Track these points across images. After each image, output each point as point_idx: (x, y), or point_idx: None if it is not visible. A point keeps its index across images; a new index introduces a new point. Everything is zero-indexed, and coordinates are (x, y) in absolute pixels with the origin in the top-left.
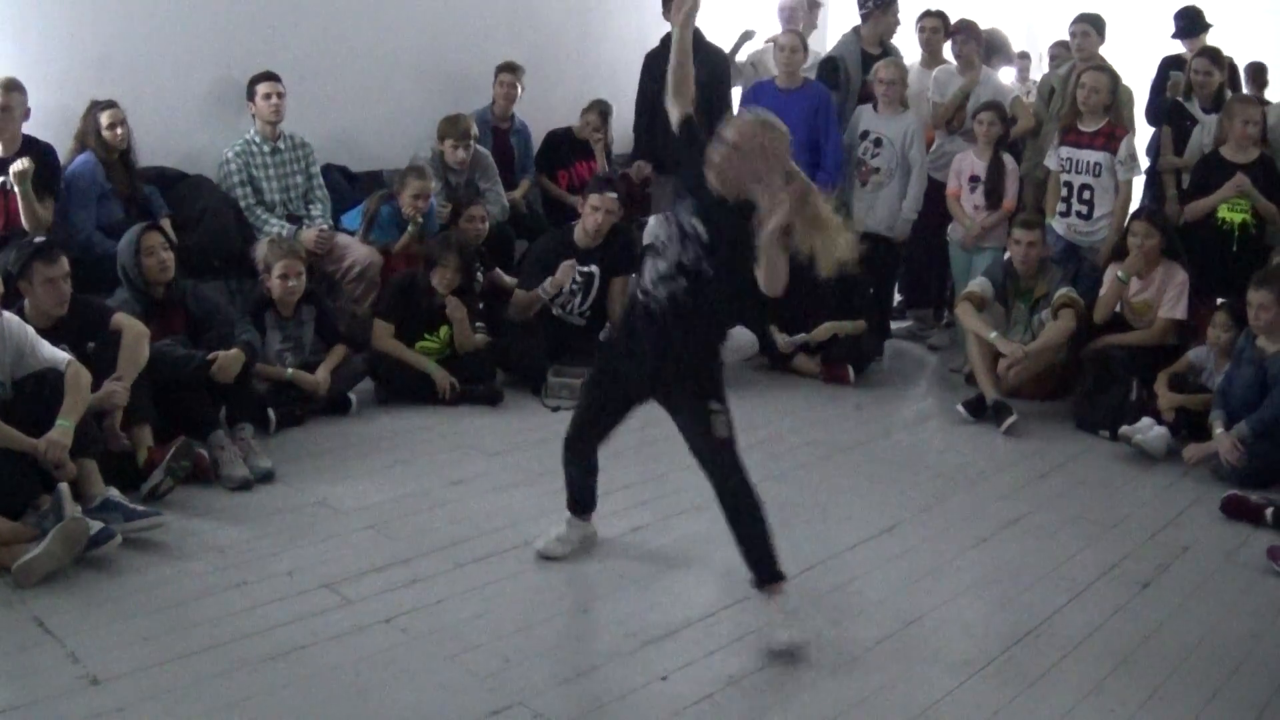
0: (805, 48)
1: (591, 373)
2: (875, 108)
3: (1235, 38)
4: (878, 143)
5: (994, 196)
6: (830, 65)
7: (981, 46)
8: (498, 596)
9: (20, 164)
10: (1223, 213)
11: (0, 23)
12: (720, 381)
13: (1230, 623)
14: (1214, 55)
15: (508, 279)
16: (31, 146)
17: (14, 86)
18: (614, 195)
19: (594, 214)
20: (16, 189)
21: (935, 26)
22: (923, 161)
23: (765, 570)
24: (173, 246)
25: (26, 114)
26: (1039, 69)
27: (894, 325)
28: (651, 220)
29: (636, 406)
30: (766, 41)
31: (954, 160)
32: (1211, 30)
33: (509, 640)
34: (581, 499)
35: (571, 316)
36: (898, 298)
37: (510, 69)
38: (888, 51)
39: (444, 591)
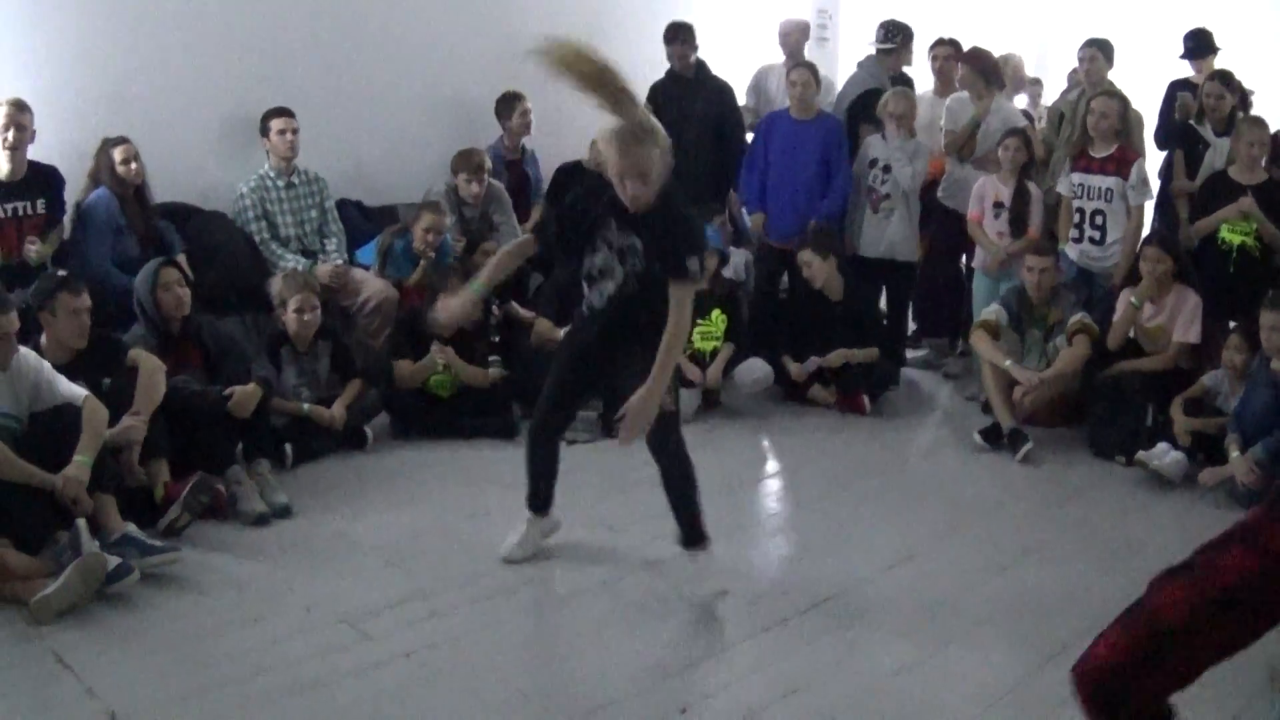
0: (817, 79)
1: (554, 361)
2: (883, 136)
3: (1241, 61)
4: (886, 169)
5: (1018, 224)
6: (873, 96)
7: (990, 74)
8: (516, 631)
9: (33, 252)
10: (1223, 233)
11: (14, 58)
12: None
13: (1250, 646)
14: (1226, 78)
15: (523, 312)
16: (38, 172)
17: (24, 107)
18: None
19: None
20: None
21: (948, 55)
22: (909, 186)
23: (695, 533)
24: (189, 282)
25: (32, 136)
26: (1052, 96)
27: (909, 354)
28: None
29: (596, 383)
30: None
31: (976, 185)
32: (1220, 53)
33: (528, 674)
34: (543, 495)
35: None
36: (912, 326)
37: (518, 97)
38: (902, 81)
39: (462, 626)
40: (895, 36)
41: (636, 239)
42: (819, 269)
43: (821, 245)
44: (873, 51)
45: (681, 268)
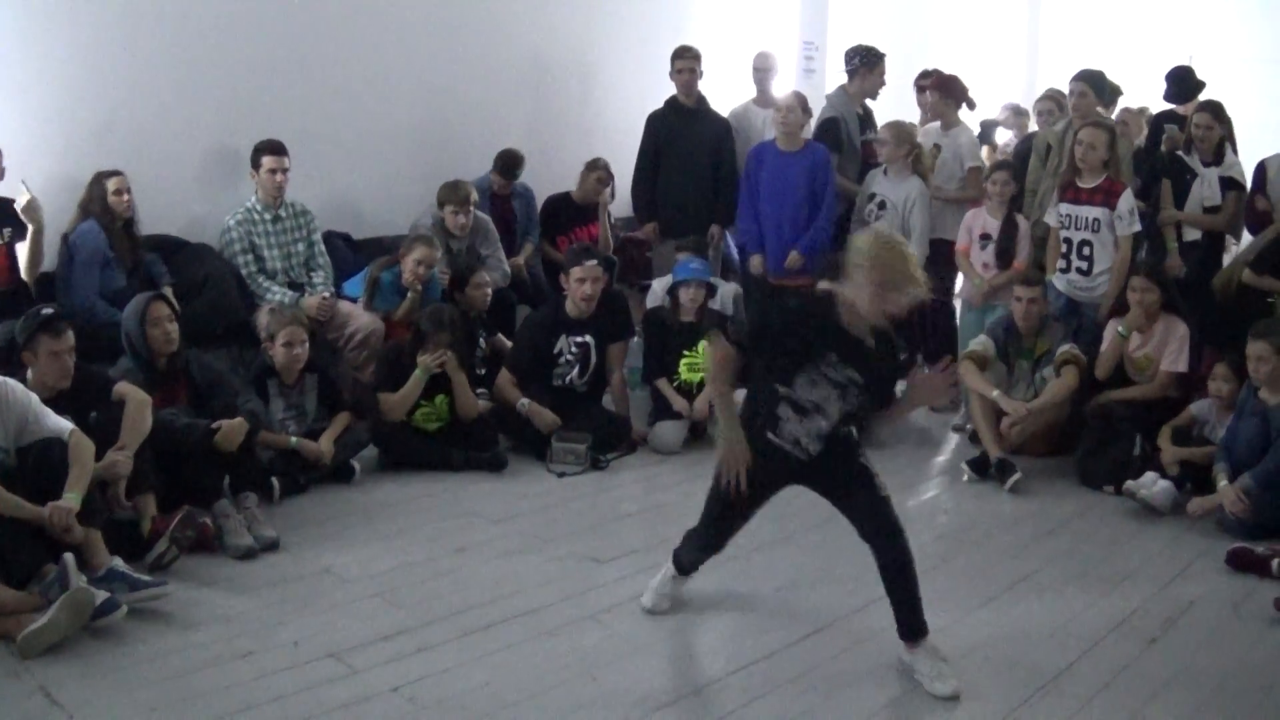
0: (805, 108)
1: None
2: (886, 172)
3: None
4: (882, 205)
5: (1005, 256)
6: (832, 125)
7: (959, 99)
8: (504, 665)
9: (24, 198)
10: None
11: (3, 92)
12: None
13: (1240, 675)
14: (1215, 110)
15: (508, 344)
16: (3, 204)
17: None
18: (595, 263)
19: (580, 286)
20: (30, 224)
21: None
22: (923, 227)
23: (916, 623)
24: (177, 316)
25: (1, 173)
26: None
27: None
28: (655, 284)
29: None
30: (752, 102)
31: (966, 216)
32: (1204, 89)
33: (516, 709)
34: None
35: (573, 385)
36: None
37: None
38: (868, 112)
39: (451, 660)
40: (852, 60)
41: (857, 373)
42: None
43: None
44: (843, 81)
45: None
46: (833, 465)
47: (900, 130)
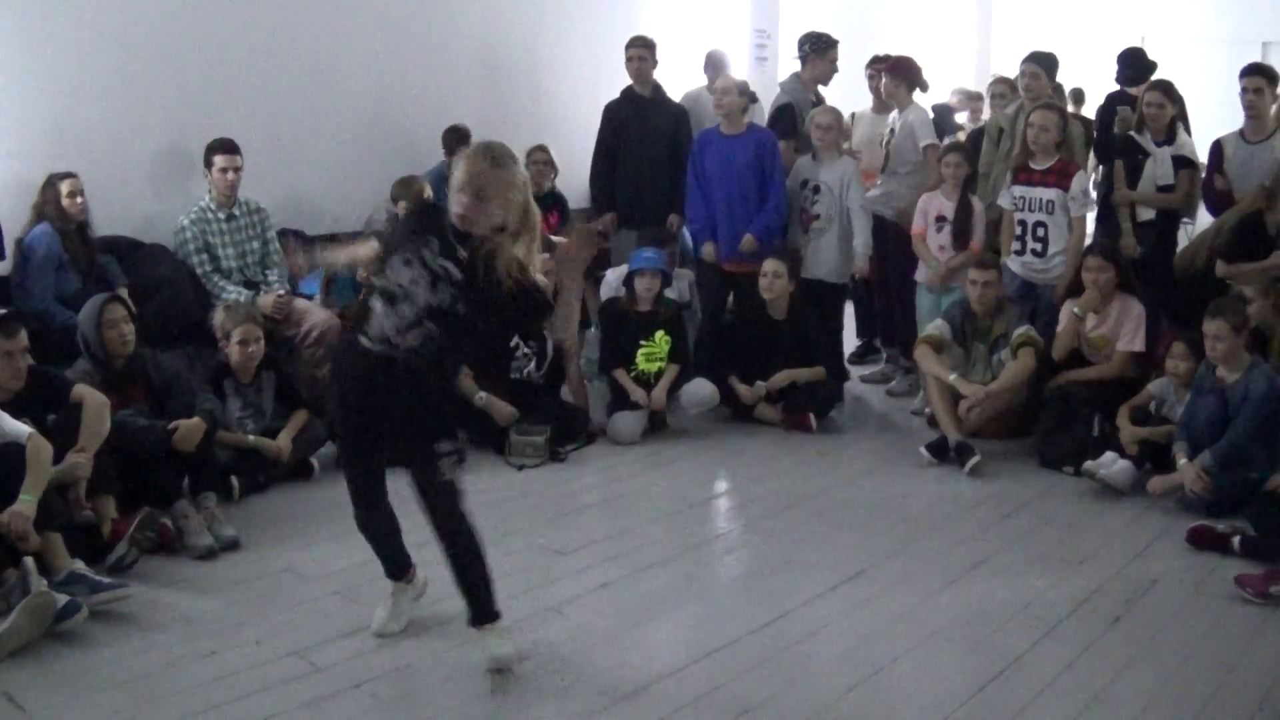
0: (744, 92)
1: (339, 438)
2: (814, 156)
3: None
4: (816, 190)
5: (961, 238)
6: (786, 111)
7: (913, 81)
8: (466, 659)
9: None
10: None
11: None
12: (450, 418)
13: (1203, 654)
14: (1166, 88)
15: None
16: None
17: None
18: (546, 255)
19: None
20: None
21: (883, 70)
22: (862, 202)
23: (483, 610)
24: (133, 317)
25: None
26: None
27: (866, 371)
28: (610, 274)
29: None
30: (705, 88)
31: (920, 200)
32: (1156, 70)
33: (479, 704)
34: (395, 560)
35: (530, 377)
36: (857, 342)
37: (463, 140)
38: (820, 98)
39: (412, 656)
40: (803, 46)
41: (454, 267)
42: (782, 283)
43: (784, 255)
44: (796, 69)
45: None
46: (412, 394)
47: (839, 115)
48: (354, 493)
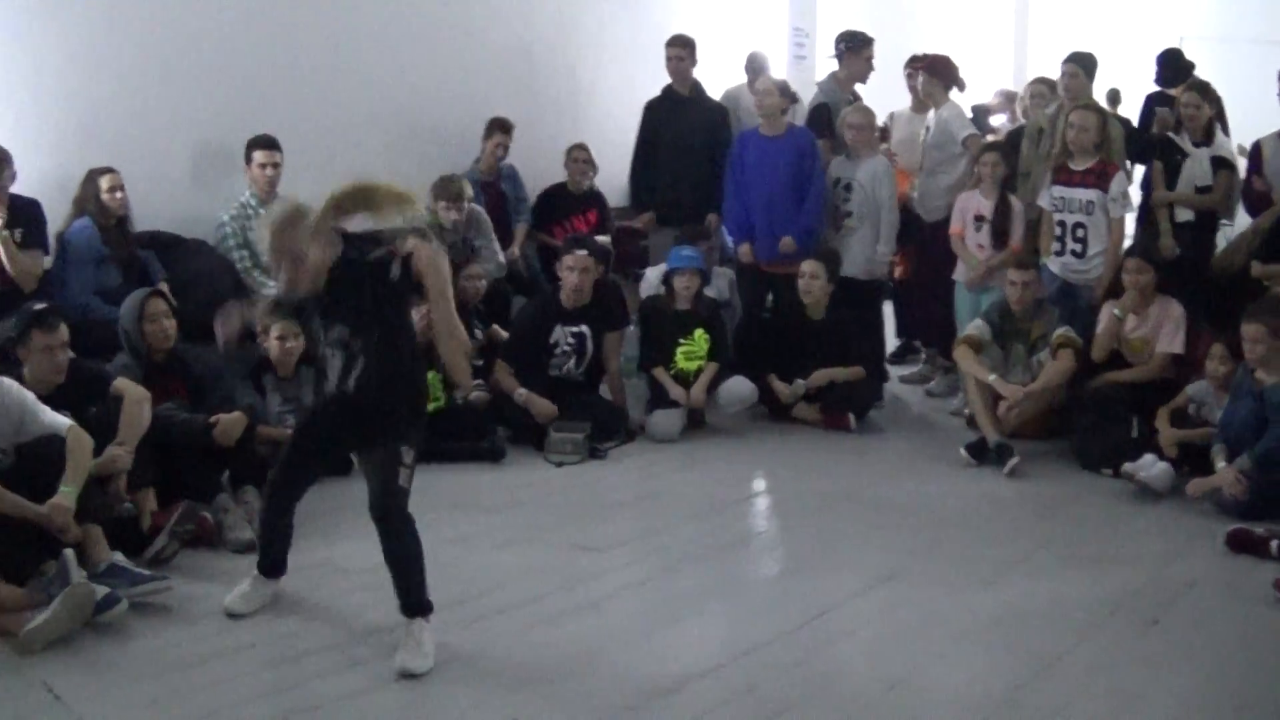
0: (785, 92)
1: (298, 425)
2: (846, 155)
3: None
4: (848, 188)
5: (1000, 237)
6: (822, 111)
7: (950, 80)
8: (502, 654)
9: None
10: None
11: None
12: (415, 424)
13: (1238, 656)
14: (1203, 89)
15: (505, 335)
16: (16, 204)
17: (7, 162)
18: (586, 253)
19: (571, 274)
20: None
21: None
22: (891, 203)
23: (415, 602)
24: (174, 313)
25: (12, 178)
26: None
27: (905, 371)
28: (650, 272)
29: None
30: (745, 85)
31: (959, 199)
32: (1194, 70)
33: (514, 697)
34: (275, 561)
35: (569, 375)
36: (896, 341)
37: (504, 129)
38: (857, 97)
39: (449, 650)
40: (839, 45)
41: (324, 327)
42: (821, 284)
43: (826, 258)
44: (833, 68)
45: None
46: (370, 414)
47: (871, 114)
48: (282, 491)
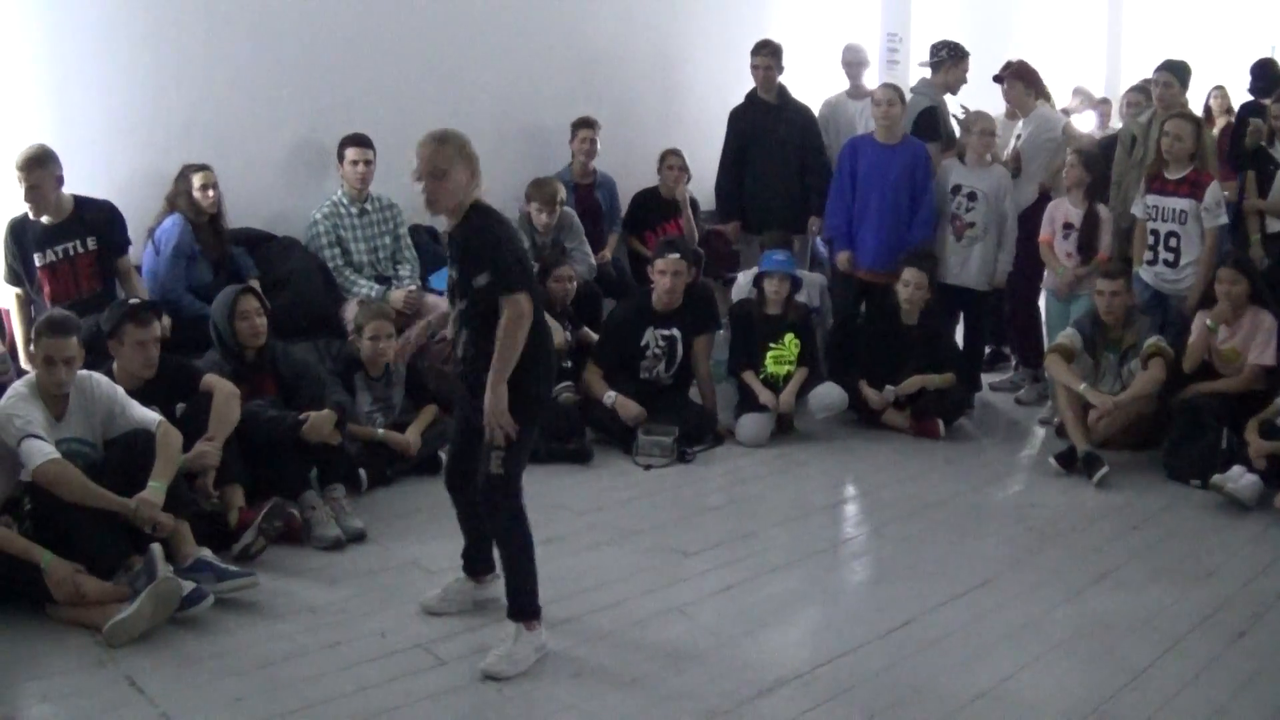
0: (903, 101)
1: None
2: (963, 160)
3: None
4: (971, 197)
5: (1088, 246)
6: (930, 114)
7: (1034, 87)
8: (590, 657)
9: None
10: None
11: (86, 88)
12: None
13: None
14: None
15: (595, 337)
16: (84, 210)
17: (36, 163)
18: (678, 256)
19: (662, 278)
20: None
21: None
22: (1014, 213)
23: (523, 604)
24: (266, 310)
25: (59, 182)
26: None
27: (995, 379)
28: (741, 276)
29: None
30: (845, 94)
31: (1049, 206)
32: None
33: (603, 700)
34: (469, 559)
35: (659, 378)
36: (987, 349)
37: (586, 124)
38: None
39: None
40: (939, 52)
41: (454, 270)
42: (922, 293)
43: (925, 265)
44: (927, 74)
45: (467, 286)
46: (473, 390)
47: (993, 121)
48: (447, 481)
